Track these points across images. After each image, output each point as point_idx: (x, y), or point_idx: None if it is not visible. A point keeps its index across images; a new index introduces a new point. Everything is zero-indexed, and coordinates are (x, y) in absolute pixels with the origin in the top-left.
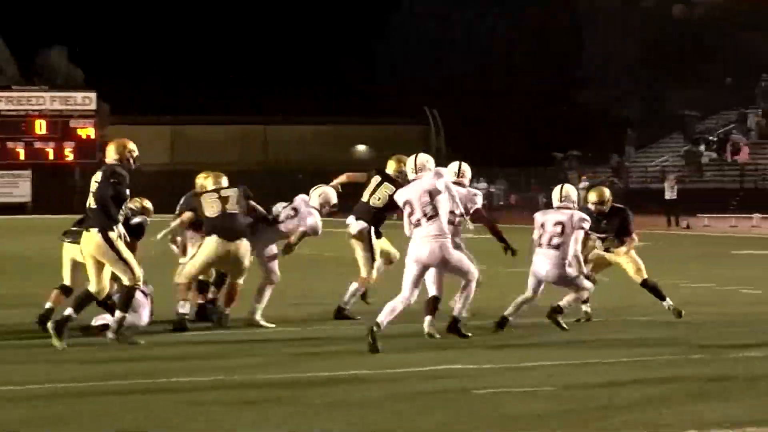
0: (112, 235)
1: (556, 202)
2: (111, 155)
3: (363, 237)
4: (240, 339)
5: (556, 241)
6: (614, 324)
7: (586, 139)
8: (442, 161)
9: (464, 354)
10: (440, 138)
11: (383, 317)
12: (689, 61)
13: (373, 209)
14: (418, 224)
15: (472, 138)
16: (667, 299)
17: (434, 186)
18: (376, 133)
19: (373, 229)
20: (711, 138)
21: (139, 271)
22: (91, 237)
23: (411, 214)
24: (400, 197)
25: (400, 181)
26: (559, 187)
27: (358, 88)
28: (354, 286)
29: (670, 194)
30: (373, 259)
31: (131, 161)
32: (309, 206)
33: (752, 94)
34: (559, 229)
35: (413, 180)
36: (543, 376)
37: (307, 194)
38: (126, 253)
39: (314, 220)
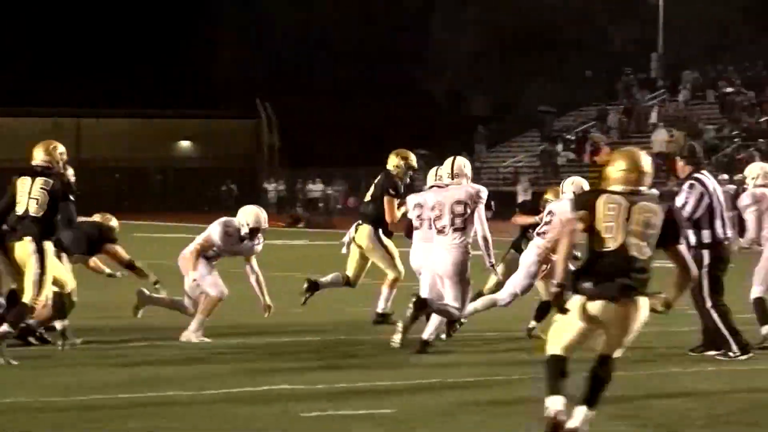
0: (47, 246)
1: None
2: (40, 157)
3: (370, 244)
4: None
5: (542, 228)
6: (463, 341)
7: (434, 136)
8: (275, 159)
9: (295, 374)
10: (273, 134)
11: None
12: (546, 52)
13: (370, 205)
14: (441, 232)
15: (308, 134)
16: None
17: (472, 197)
18: (201, 128)
19: (378, 230)
20: (568, 136)
21: (45, 294)
22: (25, 245)
23: (437, 218)
24: (429, 200)
25: (396, 174)
26: (567, 180)
27: (182, 79)
28: (385, 291)
29: (523, 197)
30: (391, 256)
31: (61, 164)
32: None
33: (613, 89)
34: (548, 218)
35: (449, 185)
36: (380, 397)
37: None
38: (49, 273)
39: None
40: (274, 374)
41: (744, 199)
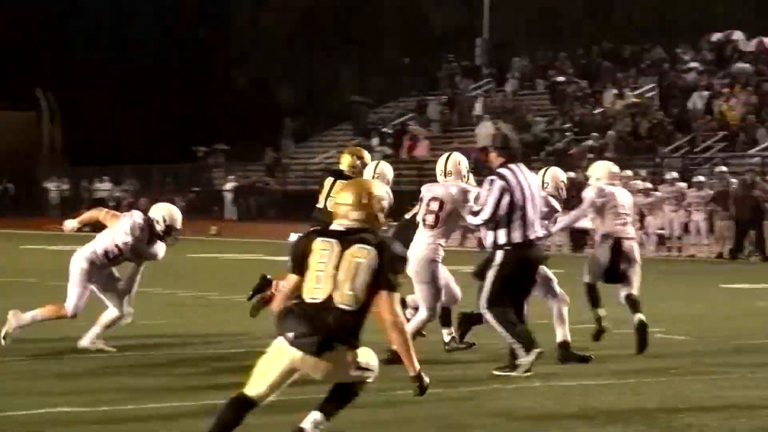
0: None
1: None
2: None
3: None
4: None
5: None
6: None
7: (235, 130)
8: (57, 155)
9: (77, 395)
10: (55, 127)
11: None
12: (360, 37)
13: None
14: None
15: (94, 128)
16: None
17: (450, 197)
18: None
19: None
20: (385, 130)
21: None
22: None
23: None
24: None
25: (354, 176)
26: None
27: None
28: None
29: None
30: None
31: None
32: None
33: (434, 78)
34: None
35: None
36: (164, 421)
37: None
38: None
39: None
40: (51, 396)
41: (588, 192)
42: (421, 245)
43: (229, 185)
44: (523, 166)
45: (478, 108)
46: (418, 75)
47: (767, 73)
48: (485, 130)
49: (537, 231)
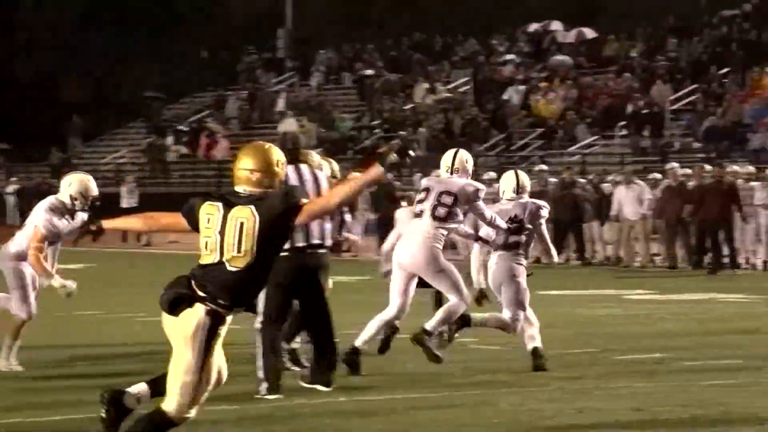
0: None
1: (510, 193)
2: None
3: None
4: None
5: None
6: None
7: (18, 127)
8: None
9: None
10: None
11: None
12: (153, 26)
13: None
14: (419, 215)
15: None
16: None
17: (467, 195)
18: None
19: None
20: (180, 127)
21: None
22: None
23: (421, 201)
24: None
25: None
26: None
27: None
28: None
29: (128, 200)
30: None
31: None
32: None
33: (233, 71)
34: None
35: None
36: None
37: None
38: None
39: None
40: None
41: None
42: (426, 235)
43: (10, 188)
44: (304, 168)
45: (280, 104)
46: (215, 68)
47: (587, 66)
48: (288, 128)
49: (324, 237)
